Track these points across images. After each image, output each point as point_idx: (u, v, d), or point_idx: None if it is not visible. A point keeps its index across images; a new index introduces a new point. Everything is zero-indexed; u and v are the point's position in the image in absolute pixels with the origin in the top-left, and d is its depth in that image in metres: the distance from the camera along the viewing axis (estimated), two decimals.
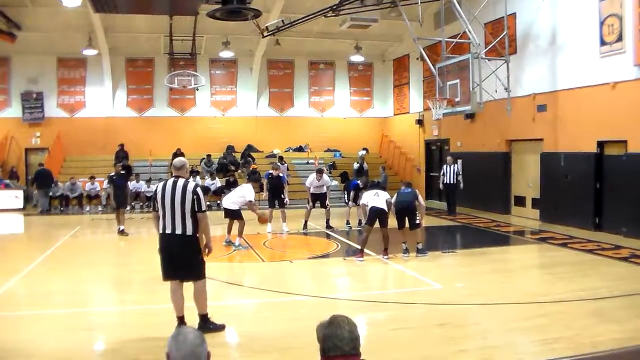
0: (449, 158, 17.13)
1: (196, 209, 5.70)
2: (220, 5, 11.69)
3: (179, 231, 5.69)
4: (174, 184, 5.75)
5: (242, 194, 11.12)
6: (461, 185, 16.53)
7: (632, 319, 6.28)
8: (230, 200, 11.18)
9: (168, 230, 5.73)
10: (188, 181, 5.83)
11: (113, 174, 13.84)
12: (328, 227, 13.78)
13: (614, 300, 7.03)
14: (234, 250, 10.84)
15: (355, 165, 20.62)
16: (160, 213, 5.76)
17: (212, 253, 6.07)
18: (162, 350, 2.42)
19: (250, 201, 10.97)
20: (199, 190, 5.77)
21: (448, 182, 16.68)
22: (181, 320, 5.75)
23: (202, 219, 5.79)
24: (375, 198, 9.89)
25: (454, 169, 16.62)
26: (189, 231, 5.71)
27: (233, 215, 11.13)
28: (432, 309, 6.93)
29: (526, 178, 15.77)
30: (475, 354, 5.34)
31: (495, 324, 6.29)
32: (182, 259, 5.75)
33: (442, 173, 16.98)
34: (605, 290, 7.48)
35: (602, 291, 7.45)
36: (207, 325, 5.79)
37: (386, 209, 9.81)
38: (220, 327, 5.92)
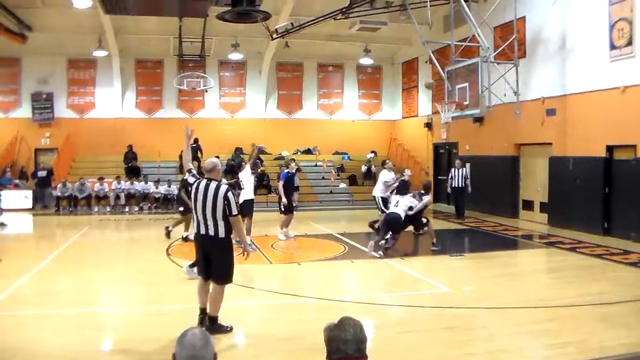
0: (457, 161, 17.11)
1: (227, 214, 5.74)
2: (230, 8, 11.71)
3: (211, 232, 5.79)
4: (206, 187, 5.79)
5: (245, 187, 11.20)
6: (469, 188, 16.51)
7: None
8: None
9: (202, 231, 5.84)
10: (220, 184, 5.86)
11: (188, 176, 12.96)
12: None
13: (623, 306, 6.98)
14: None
15: (364, 168, 20.63)
16: (194, 212, 5.88)
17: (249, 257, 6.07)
18: (171, 351, 2.43)
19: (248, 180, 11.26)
20: (229, 195, 5.77)
21: (456, 185, 16.66)
22: (203, 312, 5.96)
23: (235, 223, 5.85)
24: (394, 207, 10.43)
25: (462, 173, 16.60)
26: (221, 233, 5.78)
27: (243, 213, 11.11)
28: (440, 312, 6.93)
29: (535, 182, 15.69)
30: (483, 358, 5.33)
31: (503, 328, 6.27)
32: (214, 260, 5.86)
33: (450, 177, 16.96)
34: (614, 295, 7.43)
35: (610, 296, 7.40)
36: (215, 327, 5.81)
37: (402, 216, 10.24)
38: (228, 329, 5.95)
